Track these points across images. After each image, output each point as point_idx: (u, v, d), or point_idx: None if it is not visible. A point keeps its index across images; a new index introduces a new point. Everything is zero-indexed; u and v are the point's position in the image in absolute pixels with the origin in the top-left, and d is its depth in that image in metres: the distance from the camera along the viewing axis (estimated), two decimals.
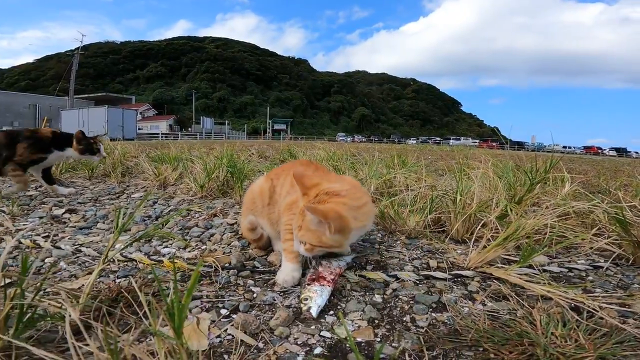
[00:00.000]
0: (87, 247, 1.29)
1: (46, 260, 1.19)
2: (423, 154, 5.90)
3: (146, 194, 1.92)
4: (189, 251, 1.31)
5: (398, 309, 0.93)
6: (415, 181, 2.28)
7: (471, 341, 0.75)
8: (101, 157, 2.41)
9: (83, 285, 0.99)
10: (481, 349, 0.74)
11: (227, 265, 1.15)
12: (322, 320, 0.86)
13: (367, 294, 1.00)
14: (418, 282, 1.08)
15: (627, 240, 1.38)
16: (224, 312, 0.89)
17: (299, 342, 0.78)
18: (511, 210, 1.35)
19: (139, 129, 30.40)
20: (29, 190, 2.38)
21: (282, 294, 0.99)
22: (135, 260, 1.17)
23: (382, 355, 0.73)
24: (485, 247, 1.18)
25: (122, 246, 1.14)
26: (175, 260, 1.17)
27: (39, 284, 0.76)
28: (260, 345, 0.76)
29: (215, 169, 2.35)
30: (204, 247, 1.36)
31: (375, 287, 1.04)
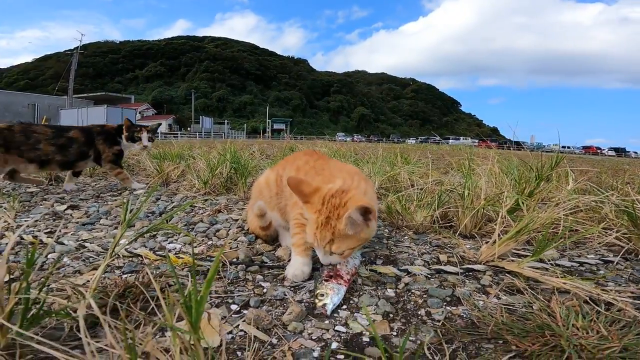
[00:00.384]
0: (90, 243, 1.26)
1: (49, 256, 1.17)
2: (424, 153, 5.90)
3: (150, 190, 1.89)
4: (196, 245, 1.29)
5: (412, 302, 0.91)
6: (420, 177, 2.26)
7: (490, 333, 0.73)
8: (141, 145, 2.34)
9: (88, 281, 0.97)
10: (501, 341, 0.72)
11: (234, 260, 1.13)
12: (336, 315, 0.84)
13: (379, 288, 0.98)
14: (430, 276, 1.07)
15: (637, 234, 1.37)
16: (234, 307, 0.87)
17: (313, 337, 0.76)
18: (523, 203, 1.33)
19: None
20: (29, 187, 2.35)
21: (292, 288, 0.97)
22: (141, 256, 1.15)
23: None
24: (495, 241, 1.17)
25: (127, 241, 1.12)
26: (182, 256, 1.15)
27: (44, 278, 0.74)
28: (274, 341, 0.74)
29: (218, 165, 2.32)
30: (210, 242, 1.34)
31: (387, 281, 1.02)
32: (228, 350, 0.70)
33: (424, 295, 0.95)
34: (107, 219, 1.64)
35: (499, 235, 1.19)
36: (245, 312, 0.84)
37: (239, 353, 0.70)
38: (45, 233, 1.41)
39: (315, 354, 0.70)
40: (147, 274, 0.92)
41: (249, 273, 1.06)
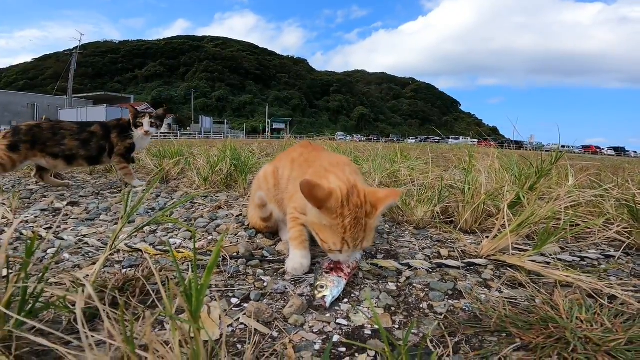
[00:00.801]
0: (90, 238, 1.26)
1: (48, 251, 1.16)
2: (424, 152, 5.89)
3: (149, 185, 1.88)
4: (197, 240, 1.28)
5: (413, 296, 0.90)
6: (421, 174, 2.25)
7: (494, 326, 0.73)
8: (143, 131, 2.26)
9: (88, 275, 0.97)
10: (505, 334, 0.71)
11: (235, 254, 1.13)
12: (337, 308, 0.84)
13: (381, 282, 0.98)
14: (431, 270, 1.06)
15: (638, 229, 1.36)
16: (234, 301, 0.86)
17: (314, 330, 0.75)
18: (524, 196, 1.33)
19: None
20: (29, 185, 2.34)
21: (293, 282, 0.96)
22: (141, 251, 1.14)
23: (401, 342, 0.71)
24: (496, 235, 1.16)
25: (128, 236, 1.11)
26: (182, 250, 1.14)
27: (42, 268, 0.73)
28: (275, 334, 0.73)
29: (219, 162, 2.32)
30: (210, 237, 1.33)
31: (388, 275, 1.02)
32: (228, 343, 0.70)
33: (426, 289, 0.94)
34: (107, 215, 1.63)
35: (499, 229, 1.18)
36: (245, 305, 0.83)
37: (239, 346, 0.69)
38: (45, 229, 1.40)
39: (317, 347, 0.69)
40: (148, 266, 0.92)
41: (250, 267, 1.05)
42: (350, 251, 0.89)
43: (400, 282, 0.98)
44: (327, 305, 0.83)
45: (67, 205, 1.79)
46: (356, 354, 0.67)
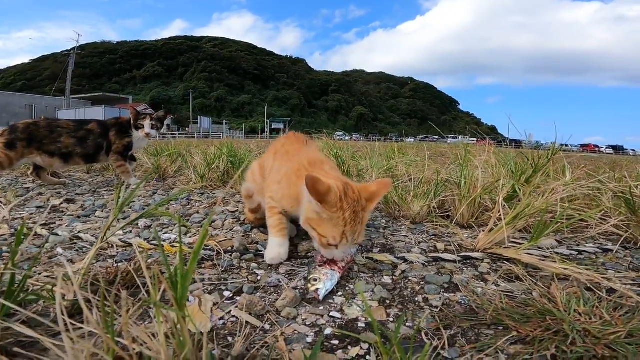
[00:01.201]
0: (84, 234, 1.24)
1: (42, 246, 1.15)
2: (422, 150, 5.88)
3: (144, 178, 1.87)
4: (190, 236, 1.27)
5: (409, 289, 0.89)
6: (418, 171, 2.24)
7: (490, 319, 0.72)
8: (144, 133, 2.22)
9: (80, 269, 0.95)
10: (501, 327, 0.70)
11: (229, 249, 1.11)
12: (331, 301, 0.83)
13: (376, 275, 0.97)
14: (427, 263, 1.05)
15: (635, 222, 1.35)
16: (227, 294, 0.85)
17: (307, 323, 0.74)
18: (519, 189, 1.32)
19: None
20: (25, 183, 2.33)
21: (287, 275, 0.95)
22: (134, 245, 1.13)
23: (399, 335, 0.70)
24: (492, 229, 1.15)
25: (121, 229, 1.10)
26: (176, 245, 1.13)
27: (32, 258, 0.72)
28: (267, 326, 0.72)
29: (215, 159, 2.30)
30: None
31: (383, 268, 1.01)
32: (218, 336, 0.69)
33: (421, 282, 0.93)
34: (102, 211, 1.62)
35: (495, 222, 1.17)
36: (238, 298, 0.82)
37: (229, 338, 0.68)
38: (40, 225, 1.38)
39: (309, 339, 0.68)
40: (137, 262, 0.91)
41: (244, 261, 1.04)
42: (347, 246, 0.89)
43: (395, 276, 0.97)
44: (321, 298, 0.82)
45: (63, 202, 1.78)
46: (349, 347, 0.66)
